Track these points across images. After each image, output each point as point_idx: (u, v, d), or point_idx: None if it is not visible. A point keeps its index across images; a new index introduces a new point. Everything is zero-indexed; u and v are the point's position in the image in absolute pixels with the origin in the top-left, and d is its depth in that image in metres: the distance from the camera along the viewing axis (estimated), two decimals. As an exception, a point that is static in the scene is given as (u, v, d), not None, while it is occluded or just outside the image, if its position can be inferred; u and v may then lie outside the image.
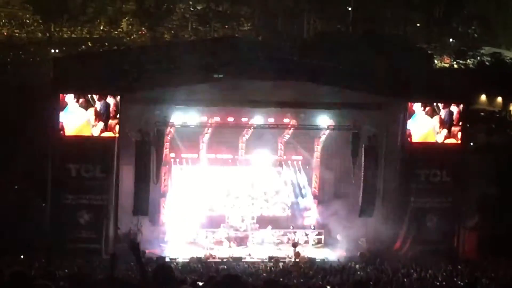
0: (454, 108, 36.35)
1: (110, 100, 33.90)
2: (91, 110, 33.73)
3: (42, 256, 32.28)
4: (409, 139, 36.07)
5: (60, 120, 33.59)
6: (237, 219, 38.07)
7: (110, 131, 33.97)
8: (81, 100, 33.69)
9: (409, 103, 36.04)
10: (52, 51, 66.47)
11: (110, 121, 33.94)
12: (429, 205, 36.49)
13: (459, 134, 36.44)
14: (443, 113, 36.22)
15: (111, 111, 33.88)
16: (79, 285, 11.28)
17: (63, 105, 33.57)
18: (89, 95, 33.78)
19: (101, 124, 33.83)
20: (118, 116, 33.97)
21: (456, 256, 35.68)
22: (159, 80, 34.20)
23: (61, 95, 33.58)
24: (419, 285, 27.78)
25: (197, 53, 37.66)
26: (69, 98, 33.66)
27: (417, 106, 36.13)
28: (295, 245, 36.40)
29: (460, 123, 36.43)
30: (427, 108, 36.10)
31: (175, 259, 34.52)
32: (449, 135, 36.33)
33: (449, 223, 36.66)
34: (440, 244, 36.15)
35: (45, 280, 11.41)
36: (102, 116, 33.85)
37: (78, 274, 21.92)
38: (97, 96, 33.82)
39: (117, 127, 34.01)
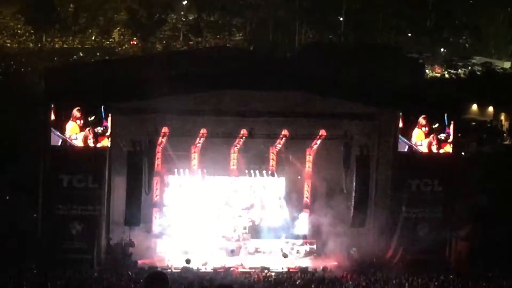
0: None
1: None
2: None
3: (33, 266, 32.20)
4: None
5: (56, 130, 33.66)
6: (229, 229, 38.01)
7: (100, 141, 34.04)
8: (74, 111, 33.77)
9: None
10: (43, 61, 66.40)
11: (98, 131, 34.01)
12: (420, 215, 36.49)
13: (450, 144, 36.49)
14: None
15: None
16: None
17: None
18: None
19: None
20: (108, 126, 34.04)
21: (448, 266, 35.70)
22: (151, 90, 34.15)
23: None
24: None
25: (189, 63, 37.69)
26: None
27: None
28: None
29: (451, 133, 36.46)
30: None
31: (167, 269, 34.44)
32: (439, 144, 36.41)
33: (441, 233, 36.65)
34: (431, 254, 36.14)
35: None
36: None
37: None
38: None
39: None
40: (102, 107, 33.92)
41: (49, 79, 36.69)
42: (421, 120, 36.11)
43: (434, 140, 36.14)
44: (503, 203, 38.30)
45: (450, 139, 36.28)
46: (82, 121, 33.80)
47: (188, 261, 35.42)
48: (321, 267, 35.20)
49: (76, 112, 33.77)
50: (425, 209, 36.49)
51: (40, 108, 34.95)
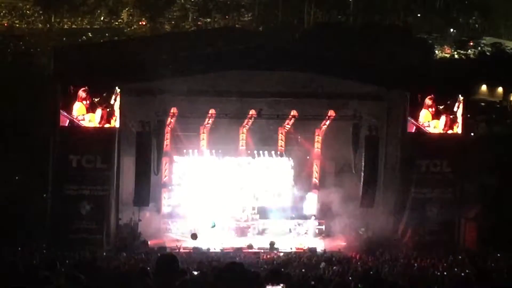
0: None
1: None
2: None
3: (43, 246, 32.35)
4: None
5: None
6: (238, 210, 38.08)
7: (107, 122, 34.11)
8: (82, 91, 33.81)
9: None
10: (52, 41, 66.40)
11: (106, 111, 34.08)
12: (429, 196, 36.48)
13: (460, 124, 36.40)
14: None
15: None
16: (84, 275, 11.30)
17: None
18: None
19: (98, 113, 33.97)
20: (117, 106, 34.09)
21: (456, 246, 35.72)
22: (160, 70, 34.14)
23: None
24: (420, 275, 27.83)
25: (197, 44, 37.67)
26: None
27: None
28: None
29: (461, 113, 36.38)
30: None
31: (176, 249, 34.56)
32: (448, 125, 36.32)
33: (450, 214, 36.62)
34: (440, 234, 36.19)
35: (46, 270, 11.47)
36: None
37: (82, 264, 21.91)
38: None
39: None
40: (117, 88, 34.01)
41: (58, 59, 36.70)
42: (427, 101, 36.05)
43: (447, 116, 36.02)
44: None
45: (459, 121, 36.24)
46: (88, 102, 33.86)
47: (194, 236, 35.57)
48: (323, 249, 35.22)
49: (82, 93, 33.81)
50: (434, 189, 36.47)
51: (49, 89, 34.99)
